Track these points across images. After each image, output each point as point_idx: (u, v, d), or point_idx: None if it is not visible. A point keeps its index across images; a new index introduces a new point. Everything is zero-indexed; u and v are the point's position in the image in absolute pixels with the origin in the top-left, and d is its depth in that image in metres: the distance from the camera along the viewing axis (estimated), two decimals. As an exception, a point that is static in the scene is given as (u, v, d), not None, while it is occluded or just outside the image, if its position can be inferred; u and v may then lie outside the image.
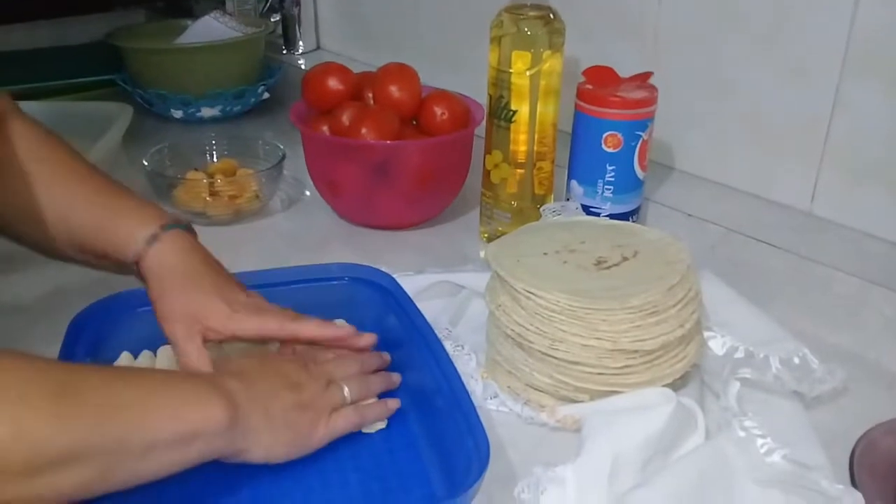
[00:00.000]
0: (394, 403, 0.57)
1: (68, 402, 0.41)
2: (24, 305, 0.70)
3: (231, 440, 0.48)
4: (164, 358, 0.60)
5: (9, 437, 0.38)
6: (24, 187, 0.58)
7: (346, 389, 0.55)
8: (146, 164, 0.87)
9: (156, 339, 0.61)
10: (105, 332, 0.60)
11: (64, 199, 0.59)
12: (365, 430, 0.55)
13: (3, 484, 0.39)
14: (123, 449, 0.43)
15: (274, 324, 0.57)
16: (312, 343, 0.59)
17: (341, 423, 0.54)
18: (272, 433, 0.50)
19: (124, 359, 0.60)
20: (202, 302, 0.56)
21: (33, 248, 0.61)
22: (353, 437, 0.54)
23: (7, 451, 0.38)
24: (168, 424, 0.45)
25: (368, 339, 0.60)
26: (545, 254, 0.60)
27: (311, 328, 0.58)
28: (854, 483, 0.50)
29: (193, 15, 1.27)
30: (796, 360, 0.58)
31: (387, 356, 0.62)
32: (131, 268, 0.58)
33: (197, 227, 0.61)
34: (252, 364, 0.55)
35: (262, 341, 0.60)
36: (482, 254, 0.76)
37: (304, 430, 0.52)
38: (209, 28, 1.21)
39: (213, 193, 0.85)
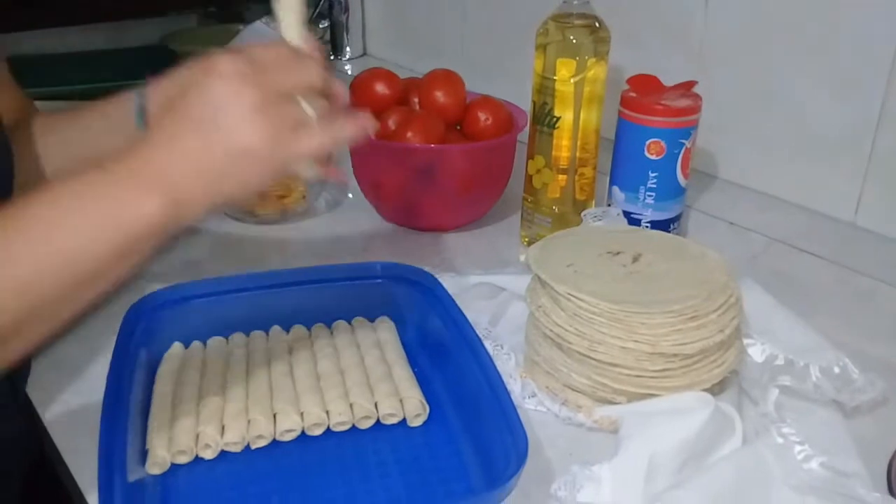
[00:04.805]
0: (365, 120, 0.49)
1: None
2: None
3: (177, 223, 0.45)
4: (213, 348, 0.63)
5: None
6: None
7: (304, 103, 0.48)
8: (198, 163, 0.89)
9: (207, 330, 0.64)
10: (159, 323, 0.62)
11: (63, 130, 0.62)
12: (409, 424, 0.57)
13: None
14: (71, 283, 0.43)
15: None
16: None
17: (306, 145, 0.47)
18: (218, 189, 0.46)
19: (176, 349, 0.62)
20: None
21: None
22: (394, 431, 0.56)
23: None
24: (102, 248, 0.43)
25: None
26: (586, 257, 0.61)
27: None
28: (891, 492, 0.50)
29: (244, 20, 1.31)
30: (836, 370, 0.58)
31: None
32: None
33: (245, 226, 0.62)
34: (176, 114, 0.46)
35: None
36: (522, 257, 0.77)
37: (257, 168, 0.46)
38: (259, 33, 1.24)
39: (261, 193, 0.88)
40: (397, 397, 0.57)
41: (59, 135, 0.63)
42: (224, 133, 0.45)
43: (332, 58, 1.39)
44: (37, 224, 0.43)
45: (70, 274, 0.43)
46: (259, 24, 1.25)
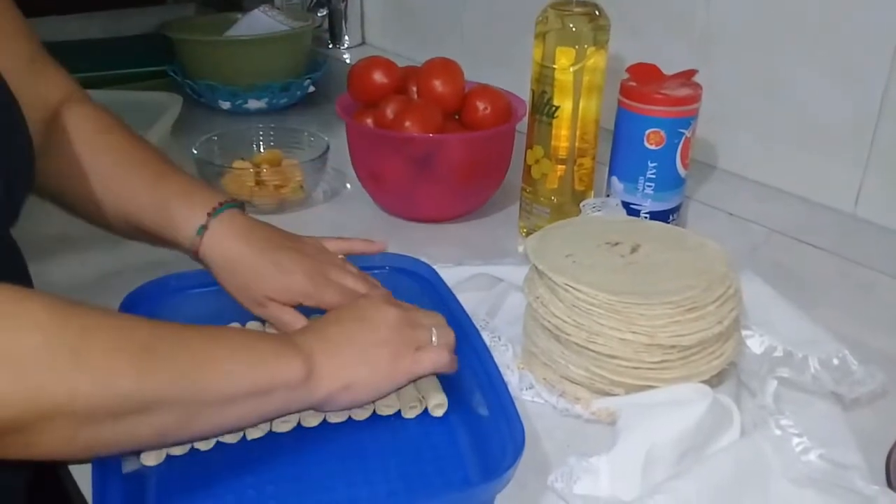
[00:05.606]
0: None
1: (152, 357, 0.44)
2: (81, 284, 0.73)
3: (309, 392, 0.51)
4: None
5: (95, 386, 0.41)
6: (81, 172, 0.61)
7: (433, 332, 0.57)
8: (195, 152, 0.89)
9: (204, 320, 0.63)
10: (157, 311, 0.62)
11: (121, 188, 0.61)
12: (405, 415, 0.56)
13: (86, 427, 0.41)
14: (202, 401, 0.46)
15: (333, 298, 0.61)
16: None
17: (427, 359, 0.55)
18: (350, 376, 0.52)
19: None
20: (266, 284, 0.60)
21: (92, 223, 0.65)
22: (392, 423, 0.56)
23: (91, 398, 0.41)
24: (245, 378, 0.47)
25: None
26: (584, 248, 0.61)
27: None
28: (890, 484, 0.49)
29: (243, 9, 1.30)
30: (835, 362, 0.58)
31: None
32: (190, 254, 0.61)
33: (243, 215, 0.62)
34: (332, 315, 0.57)
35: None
36: (520, 248, 0.77)
37: (384, 366, 0.54)
38: (258, 22, 1.23)
39: (258, 182, 0.87)
40: (394, 388, 0.57)
41: (132, 191, 0.62)
42: (364, 332, 0.54)
43: (330, 46, 1.38)
44: (185, 350, 0.46)
45: (195, 398, 0.46)
46: (258, 13, 1.25)
